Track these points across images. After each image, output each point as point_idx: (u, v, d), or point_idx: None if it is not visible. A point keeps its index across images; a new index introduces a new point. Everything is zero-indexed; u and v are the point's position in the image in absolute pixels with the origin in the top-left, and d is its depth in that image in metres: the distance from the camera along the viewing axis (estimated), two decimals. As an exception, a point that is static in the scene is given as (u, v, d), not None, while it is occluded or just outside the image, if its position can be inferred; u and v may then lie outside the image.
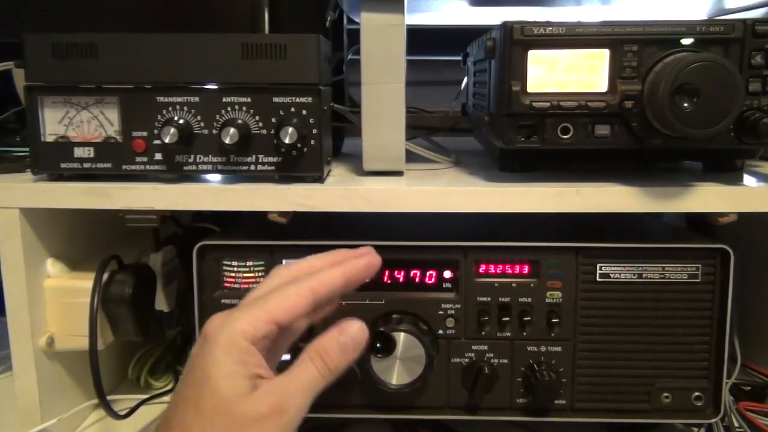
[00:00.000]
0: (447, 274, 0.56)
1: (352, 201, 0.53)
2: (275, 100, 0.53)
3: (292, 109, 0.53)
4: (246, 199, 0.53)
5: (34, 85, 0.53)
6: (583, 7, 0.83)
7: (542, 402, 0.56)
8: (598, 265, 0.55)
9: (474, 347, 0.56)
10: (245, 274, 0.56)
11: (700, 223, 0.57)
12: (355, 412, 0.58)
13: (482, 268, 0.56)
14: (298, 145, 0.53)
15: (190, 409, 0.38)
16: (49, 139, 0.54)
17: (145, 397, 0.66)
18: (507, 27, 0.50)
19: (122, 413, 0.60)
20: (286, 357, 0.45)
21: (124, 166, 0.54)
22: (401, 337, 0.53)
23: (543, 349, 0.56)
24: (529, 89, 0.50)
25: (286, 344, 0.47)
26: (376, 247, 0.52)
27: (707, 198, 0.52)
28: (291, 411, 0.38)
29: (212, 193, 0.54)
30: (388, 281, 0.56)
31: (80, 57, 0.52)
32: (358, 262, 0.45)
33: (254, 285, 0.56)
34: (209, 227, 0.68)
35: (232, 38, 0.52)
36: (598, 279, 0.55)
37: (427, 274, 0.56)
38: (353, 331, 0.43)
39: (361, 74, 0.55)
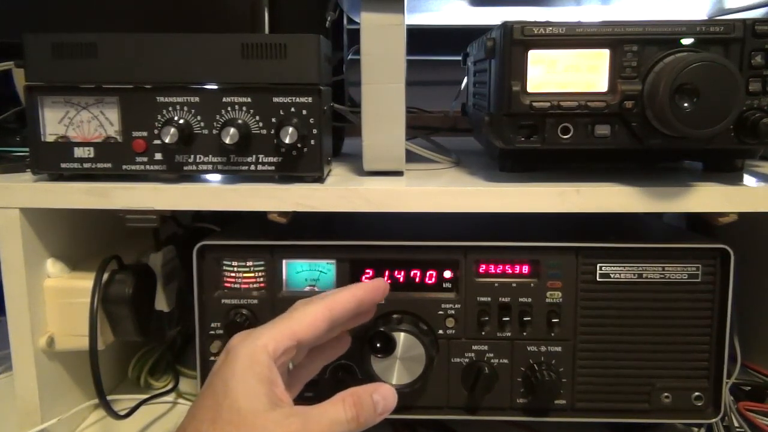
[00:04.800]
0: (447, 274, 0.56)
1: (352, 201, 0.53)
2: (275, 100, 0.53)
3: (292, 109, 0.53)
4: (246, 199, 0.53)
5: (34, 85, 0.53)
6: (583, 7, 0.83)
7: (542, 402, 0.56)
8: (598, 265, 0.55)
9: (474, 347, 0.56)
10: (245, 274, 0.56)
11: (700, 223, 0.57)
12: (355, 412, 0.58)
13: (482, 268, 0.56)
14: (298, 145, 0.53)
15: (207, 420, 0.38)
16: (49, 139, 0.54)
17: (145, 397, 0.65)
18: (507, 27, 0.50)
19: (122, 413, 0.60)
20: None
21: (124, 166, 0.54)
22: (401, 337, 0.53)
23: (543, 349, 0.56)
24: (529, 89, 0.50)
25: (303, 378, 0.49)
26: (376, 247, 0.52)
27: (707, 198, 0.52)
28: None
29: (212, 193, 0.54)
30: (389, 281, 0.56)
31: (80, 57, 0.52)
32: (366, 283, 0.49)
33: (254, 285, 0.57)
34: (209, 227, 0.68)
35: (232, 38, 0.52)
36: (598, 279, 0.55)
37: (428, 274, 0.56)
38: (387, 394, 0.43)
39: (361, 74, 0.55)
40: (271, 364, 0.40)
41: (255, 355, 0.40)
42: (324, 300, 0.45)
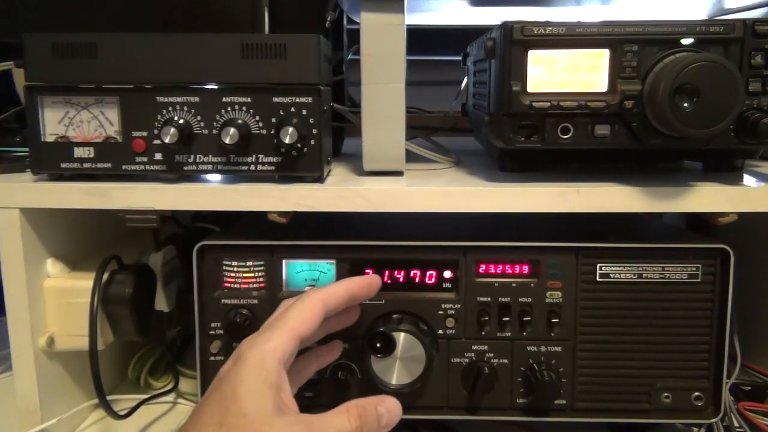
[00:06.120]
0: (447, 274, 0.56)
1: (352, 201, 0.53)
2: (275, 100, 0.53)
3: (292, 109, 0.53)
4: (246, 199, 0.53)
5: (34, 85, 0.53)
6: (583, 7, 0.83)
7: (542, 402, 0.56)
8: (598, 265, 0.55)
9: (474, 347, 0.56)
10: (245, 274, 0.56)
11: (700, 223, 0.57)
12: (355, 412, 0.58)
13: (482, 268, 0.56)
14: (298, 145, 0.53)
15: (213, 424, 0.38)
16: (49, 139, 0.54)
17: (145, 397, 0.65)
18: (507, 27, 0.50)
19: (122, 413, 0.60)
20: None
21: (124, 166, 0.54)
22: (401, 337, 0.53)
23: (543, 349, 0.56)
24: (529, 89, 0.50)
25: (297, 382, 0.50)
26: (376, 247, 0.52)
27: (707, 198, 0.52)
28: None
29: (212, 193, 0.54)
30: (388, 281, 0.56)
31: (80, 57, 0.52)
32: (358, 278, 0.51)
33: (254, 285, 0.57)
34: (209, 227, 0.68)
35: (232, 38, 0.52)
36: (598, 279, 0.55)
37: (427, 274, 0.56)
38: (392, 407, 0.44)
39: (361, 74, 0.55)
40: (279, 370, 0.41)
41: (264, 361, 0.40)
42: (317, 294, 0.46)
